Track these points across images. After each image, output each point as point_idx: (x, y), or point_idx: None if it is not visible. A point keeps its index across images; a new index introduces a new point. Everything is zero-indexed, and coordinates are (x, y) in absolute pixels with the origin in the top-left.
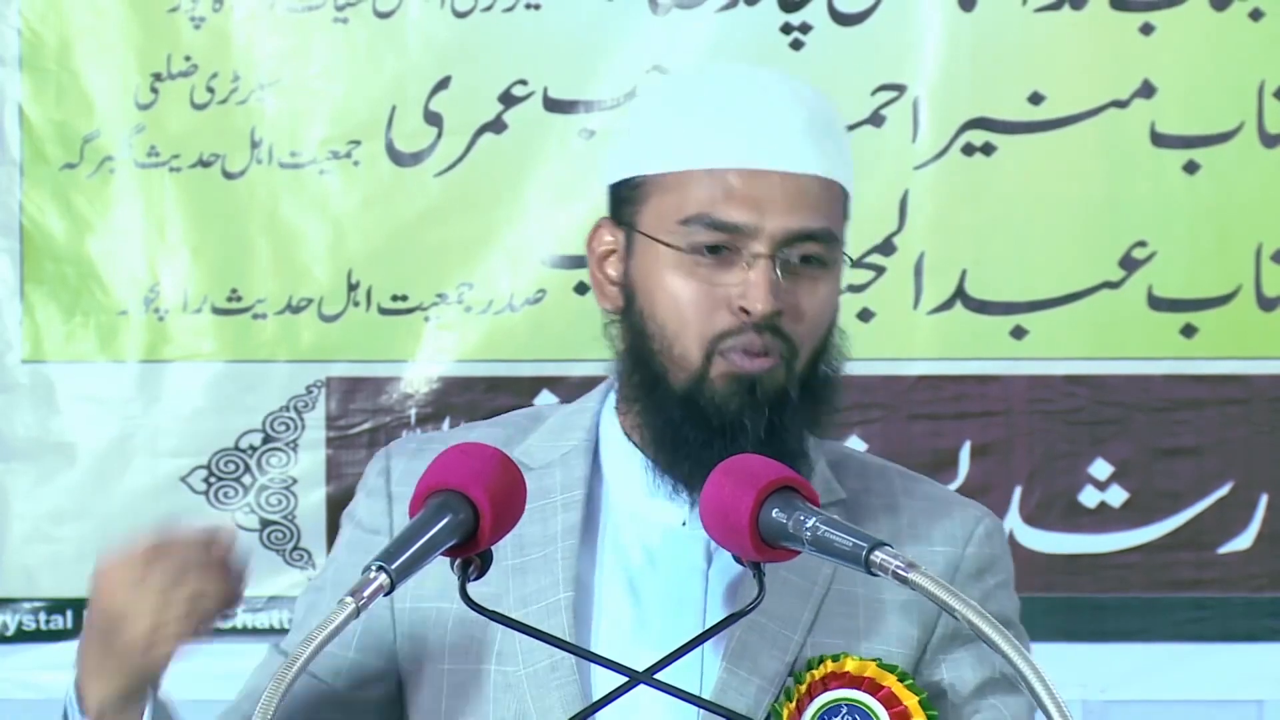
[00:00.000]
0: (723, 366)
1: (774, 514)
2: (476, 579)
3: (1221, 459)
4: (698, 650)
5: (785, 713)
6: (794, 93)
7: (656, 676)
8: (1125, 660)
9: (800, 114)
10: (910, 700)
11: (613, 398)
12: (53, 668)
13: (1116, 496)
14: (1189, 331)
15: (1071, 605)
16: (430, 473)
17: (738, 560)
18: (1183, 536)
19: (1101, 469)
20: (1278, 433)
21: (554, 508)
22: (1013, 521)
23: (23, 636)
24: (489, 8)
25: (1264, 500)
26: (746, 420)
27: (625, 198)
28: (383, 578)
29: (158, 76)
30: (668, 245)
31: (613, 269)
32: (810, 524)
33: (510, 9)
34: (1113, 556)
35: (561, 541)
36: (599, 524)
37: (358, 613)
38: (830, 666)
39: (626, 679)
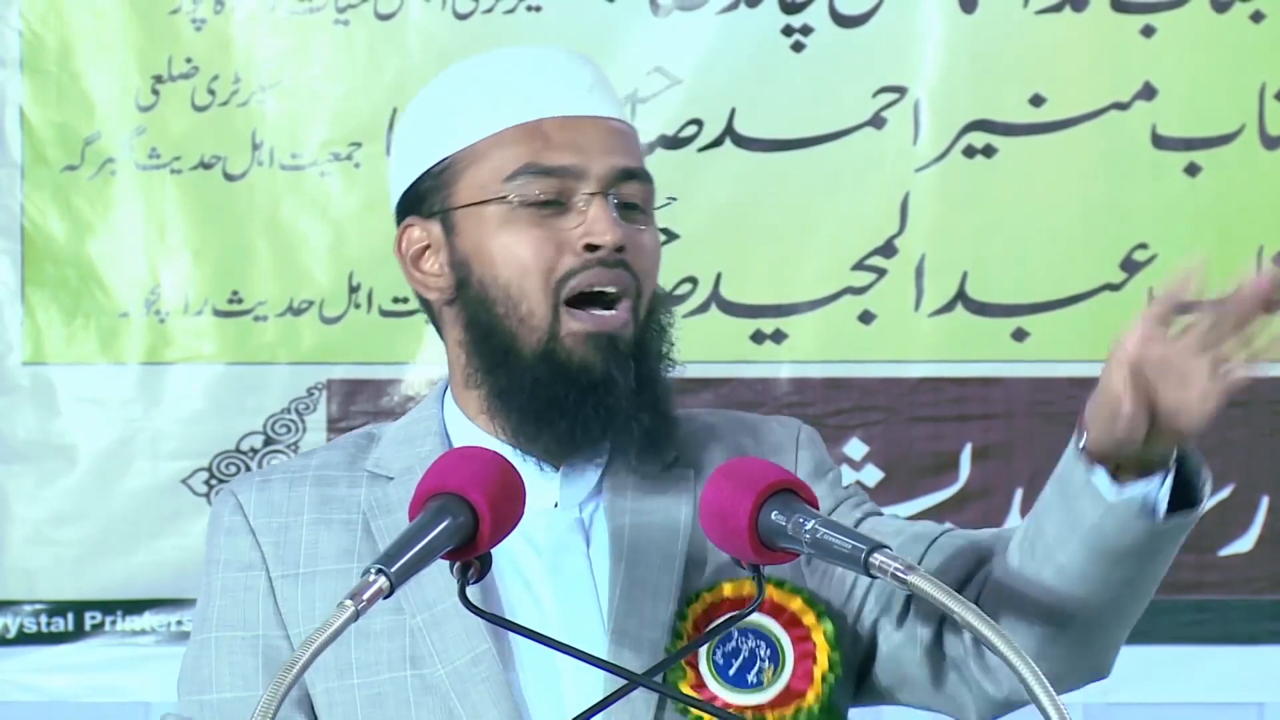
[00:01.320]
0: (573, 325)
1: (773, 516)
2: (476, 582)
3: (1222, 461)
4: (599, 636)
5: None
6: (573, 53)
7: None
8: (1126, 662)
9: (588, 69)
10: (794, 602)
11: (449, 396)
12: (53, 670)
13: None
14: None
15: None
16: (429, 476)
17: (736, 563)
18: None
19: None
20: (1278, 435)
21: None
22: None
23: (23, 639)
24: (490, 9)
25: (1265, 503)
26: (615, 374)
27: (430, 188)
28: (382, 580)
29: (158, 78)
30: (497, 201)
31: (431, 263)
32: (809, 526)
33: (511, 10)
34: None
35: None
36: None
37: (357, 615)
38: (708, 598)
39: (625, 680)
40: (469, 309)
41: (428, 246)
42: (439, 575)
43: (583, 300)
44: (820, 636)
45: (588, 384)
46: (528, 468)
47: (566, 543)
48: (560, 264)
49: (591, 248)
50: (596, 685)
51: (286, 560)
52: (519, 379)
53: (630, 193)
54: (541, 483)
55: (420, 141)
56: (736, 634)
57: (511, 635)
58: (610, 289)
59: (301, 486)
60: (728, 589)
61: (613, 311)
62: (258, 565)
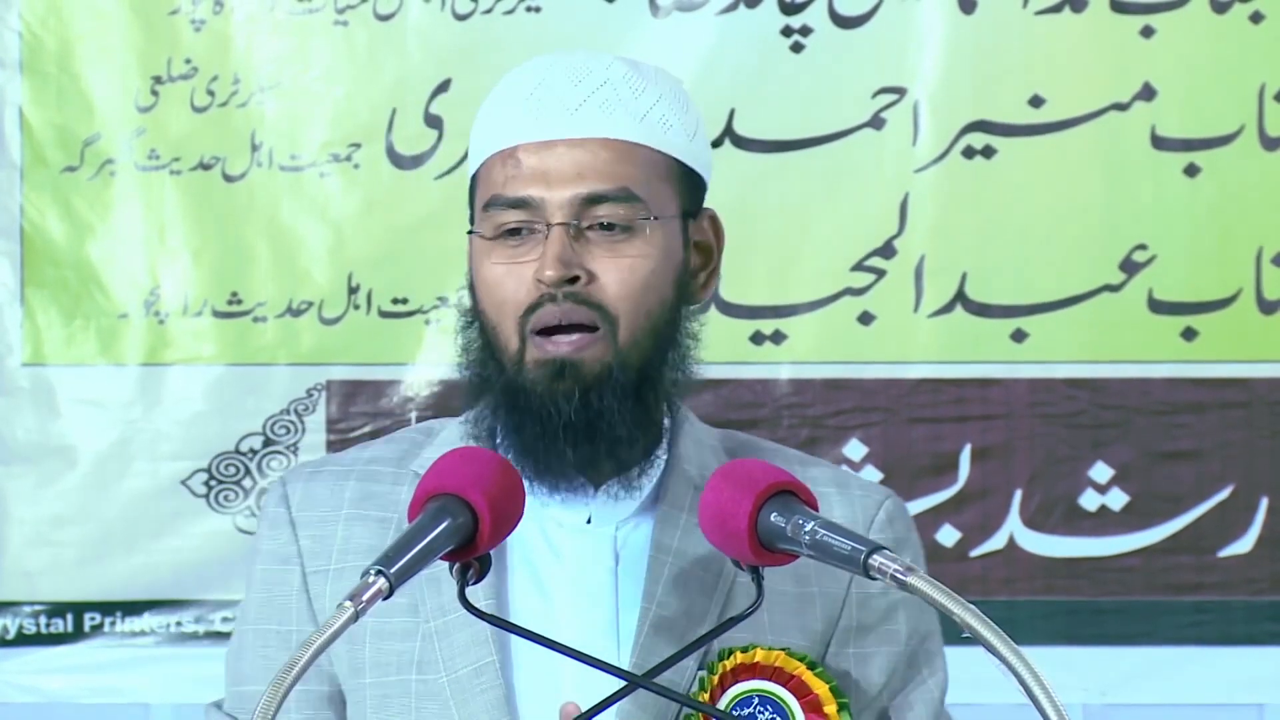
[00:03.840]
0: (535, 352)
1: (772, 518)
2: (475, 583)
3: (1222, 462)
4: (611, 650)
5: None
6: (598, 63)
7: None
8: (1126, 664)
9: (595, 81)
10: (820, 688)
11: None
12: (53, 671)
13: (1117, 500)
14: (1189, 335)
15: (1072, 609)
16: (429, 477)
17: (736, 565)
18: (1183, 540)
19: (1102, 472)
20: (1278, 436)
21: None
22: (1013, 525)
23: (23, 640)
24: (489, 10)
25: (1264, 503)
26: (559, 405)
27: (469, 203)
28: (381, 581)
29: (158, 79)
30: (479, 235)
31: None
32: (809, 528)
33: (511, 11)
34: (1113, 560)
35: None
36: None
37: (356, 617)
38: (740, 658)
39: (625, 683)
40: (476, 331)
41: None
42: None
43: (547, 330)
44: None
45: (534, 411)
46: (542, 488)
47: (594, 557)
48: (524, 297)
49: (543, 282)
50: (598, 698)
51: (320, 554)
52: (497, 405)
53: (603, 215)
54: (575, 498)
55: (469, 148)
56: (756, 700)
57: (516, 645)
58: (561, 323)
59: (347, 480)
60: (760, 655)
61: (568, 338)
62: (294, 559)
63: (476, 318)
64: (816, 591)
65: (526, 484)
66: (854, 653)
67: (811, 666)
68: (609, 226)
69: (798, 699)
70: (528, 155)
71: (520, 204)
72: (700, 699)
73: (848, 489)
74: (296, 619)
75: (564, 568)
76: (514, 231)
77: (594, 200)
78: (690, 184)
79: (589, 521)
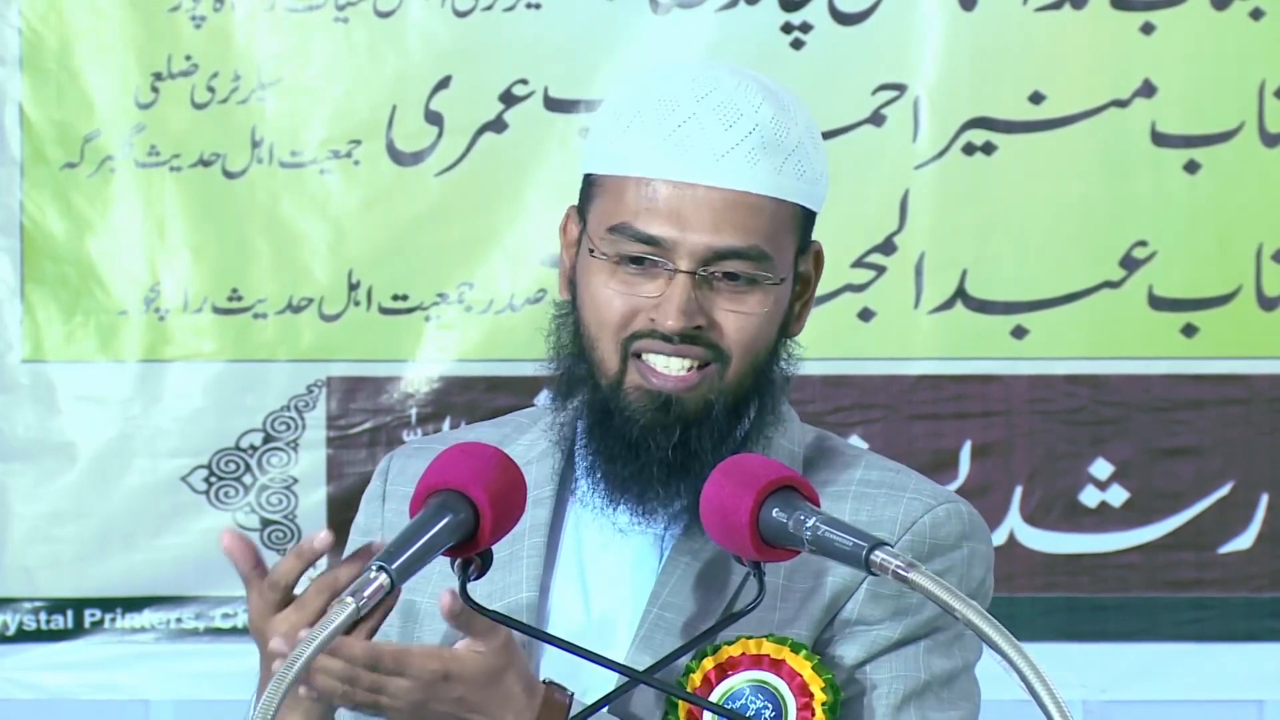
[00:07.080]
0: (636, 378)
1: (774, 514)
2: (477, 579)
3: (1222, 459)
4: (604, 645)
5: (681, 712)
6: (748, 104)
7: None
8: (1126, 660)
9: (745, 127)
10: (804, 667)
11: None
12: (53, 668)
13: (1117, 496)
14: (1189, 331)
15: (1072, 605)
16: (430, 472)
17: (737, 560)
18: (1183, 536)
19: (1102, 469)
20: (1278, 433)
21: (527, 505)
22: (1013, 521)
23: (23, 636)
24: (489, 7)
25: (1264, 500)
26: (655, 438)
27: (584, 193)
28: (383, 578)
29: (158, 76)
30: (597, 253)
31: (567, 256)
32: (810, 524)
33: (511, 8)
34: (1113, 556)
35: (528, 539)
36: (564, 521)
37: (359, 612)
38: (727, 651)
39: (627, 679)
40: (573, 326)
41: (576, 241)
42: (509, 570)
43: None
44: (819, 706)
45: (627, 439)
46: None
47: (637, 558)
48: (632, 324)
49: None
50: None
51: (397, 527)
52: (588, 414)
53: (731, 267)
54: (625, 498)
55: (593, 141)
56: (748, 690)
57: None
58: (671, 360)
59: None
60: (747, 646)
61: (678, 372)
62: (376, 531)
63: (575, 321)
64: (829, 581)
65: (600, 499)
66: (839, 636)
67: (796, 649)
68: (734, 277)
69: (788, 684)
70: (666, 191)
71: (650, 240)
72: (681, 707)
73: (900, 491)
74: None
75: (607, 567)
76: (636, 260)
77: (726, 255)
78: (806, 224)
79: (635, 525)
